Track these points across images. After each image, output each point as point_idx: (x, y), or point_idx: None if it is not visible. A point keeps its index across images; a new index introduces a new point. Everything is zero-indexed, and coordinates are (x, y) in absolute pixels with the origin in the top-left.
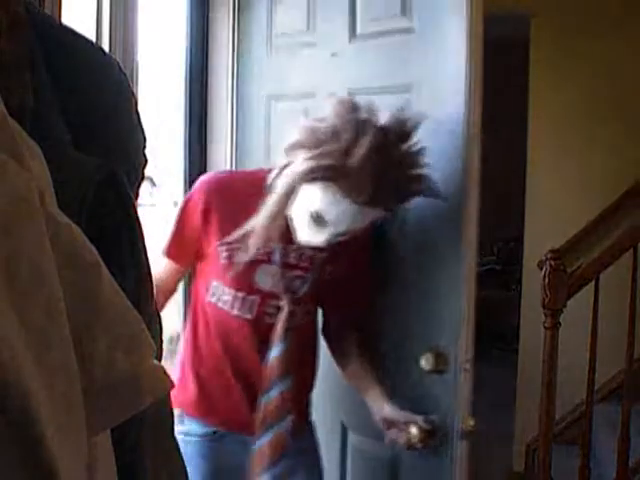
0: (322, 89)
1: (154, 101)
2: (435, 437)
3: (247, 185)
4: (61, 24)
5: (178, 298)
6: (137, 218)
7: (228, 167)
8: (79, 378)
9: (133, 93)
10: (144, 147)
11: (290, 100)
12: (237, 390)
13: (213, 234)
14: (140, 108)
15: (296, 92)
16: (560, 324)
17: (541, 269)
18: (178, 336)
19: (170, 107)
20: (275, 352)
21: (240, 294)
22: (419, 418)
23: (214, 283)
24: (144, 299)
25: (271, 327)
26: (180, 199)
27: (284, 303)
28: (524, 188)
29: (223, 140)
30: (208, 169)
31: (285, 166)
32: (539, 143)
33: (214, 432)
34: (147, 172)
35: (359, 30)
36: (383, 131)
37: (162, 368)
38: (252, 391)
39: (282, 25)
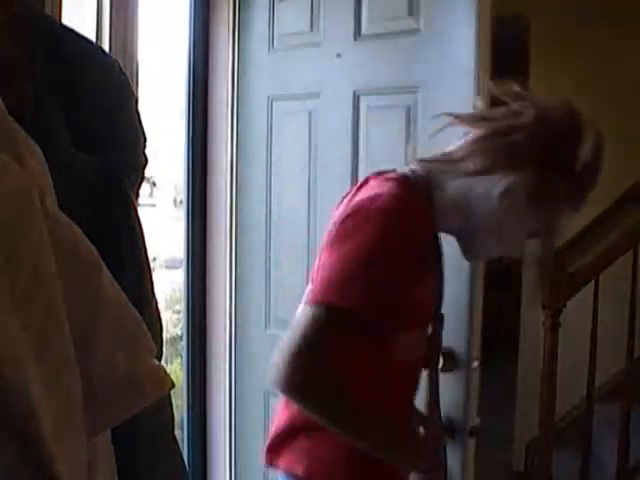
0: (327, 90)
1: (155, 101)
2: (446, 435)
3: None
4: (61, 24)
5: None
6: (137, 218)
7: (229, 167)
8: (79, 378)
9: (133, 93)
10: (144, 147)
11: (292, 100)
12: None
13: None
14: (140, 108)
15: (300, 93)
16: (560, 324)
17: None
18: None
19: (171, 107)
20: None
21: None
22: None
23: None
24: (144, 299)
25: (420, 362)
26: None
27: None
28: None
29: (224, 140)
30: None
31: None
32: None
33: None
34: (147, 172)
35: (364, 30)
36: (593, 130)
37: (162, 368)
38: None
39: (284, 25)
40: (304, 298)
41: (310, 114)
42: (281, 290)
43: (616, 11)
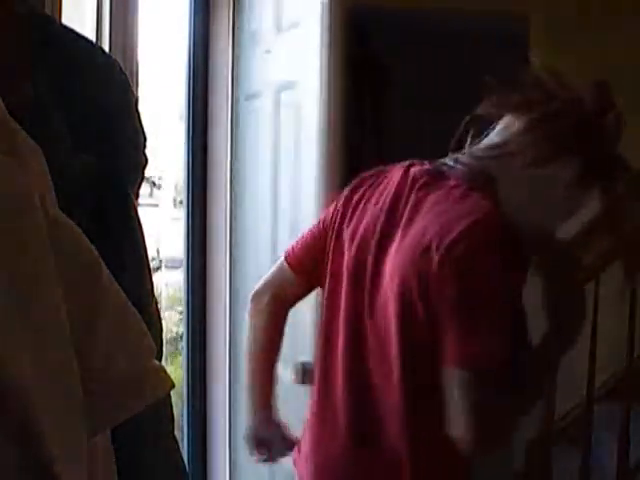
0: (262, 88)
1: (155, 101)
2: None
3: None
4: (61, 24)
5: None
6: (137, 218)
7: (229, 167)
8: (79, 378)
9: (133, 93)
10: (144, 147)
11: (249, 100)
12: None
13: None
14: (140, 108)
15: (249, 92)
16: None
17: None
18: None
19: (171, 107)
20: None
21: None
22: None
23: None
24: (144, 299)
25: None
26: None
27: None
28: None
29: (224, 140)
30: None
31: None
32: None
33: None
34: (147, 172)
35: (283, 23)
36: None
37: (162, 368)
38: None
39: (252, 24)
40: (449, 355)
41: (256, 113)
42: None
43: (617, 11)
